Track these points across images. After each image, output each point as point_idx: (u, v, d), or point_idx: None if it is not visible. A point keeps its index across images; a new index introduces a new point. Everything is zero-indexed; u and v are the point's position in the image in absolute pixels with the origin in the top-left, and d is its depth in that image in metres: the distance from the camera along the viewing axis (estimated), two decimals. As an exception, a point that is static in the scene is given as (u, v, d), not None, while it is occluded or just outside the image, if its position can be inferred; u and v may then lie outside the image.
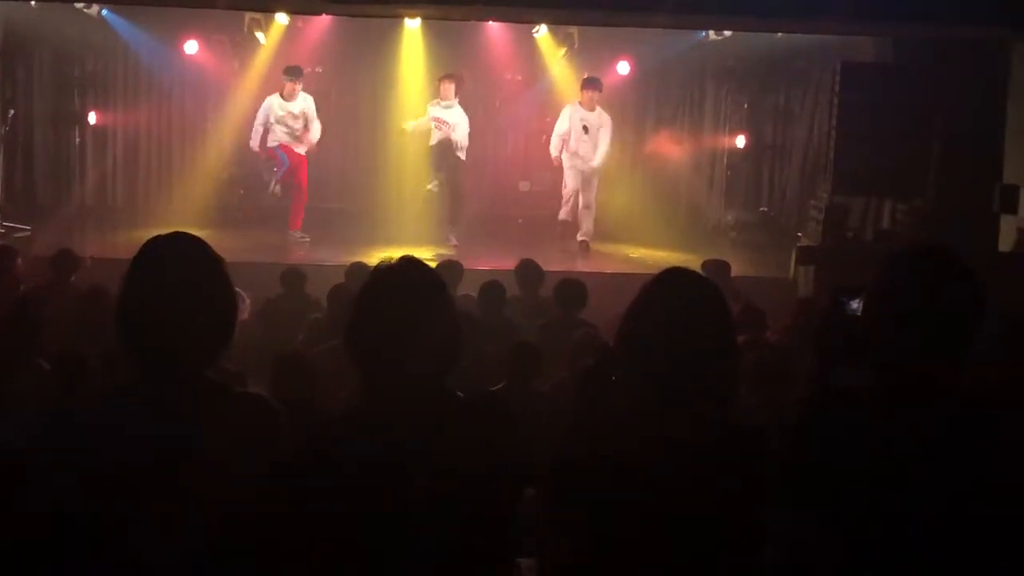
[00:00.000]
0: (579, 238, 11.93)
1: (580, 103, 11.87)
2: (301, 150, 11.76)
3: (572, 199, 11.97)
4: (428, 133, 11.77)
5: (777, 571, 2.45)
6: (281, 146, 11.76)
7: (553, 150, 11.91)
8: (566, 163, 11.89)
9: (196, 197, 12.28)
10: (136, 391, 2.36)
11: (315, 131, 11.75)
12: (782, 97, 13.79)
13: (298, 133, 11.67)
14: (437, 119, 11.67)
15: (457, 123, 11.61)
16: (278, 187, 11.82)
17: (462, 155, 11.65)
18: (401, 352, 2.38)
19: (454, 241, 11.60)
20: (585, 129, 11.77)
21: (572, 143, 11.81)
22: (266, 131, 11.64)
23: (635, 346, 2.49)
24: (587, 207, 11.95)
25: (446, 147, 11.61)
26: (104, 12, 12.15)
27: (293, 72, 11.68)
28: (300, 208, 11.88)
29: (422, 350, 2.39)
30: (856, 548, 2.34)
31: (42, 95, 13.08)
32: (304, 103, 11.71)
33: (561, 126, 11.88)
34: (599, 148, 11.83)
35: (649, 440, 2.42)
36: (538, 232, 12.14)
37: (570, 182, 11.97)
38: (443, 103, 11.64)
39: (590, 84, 11.90)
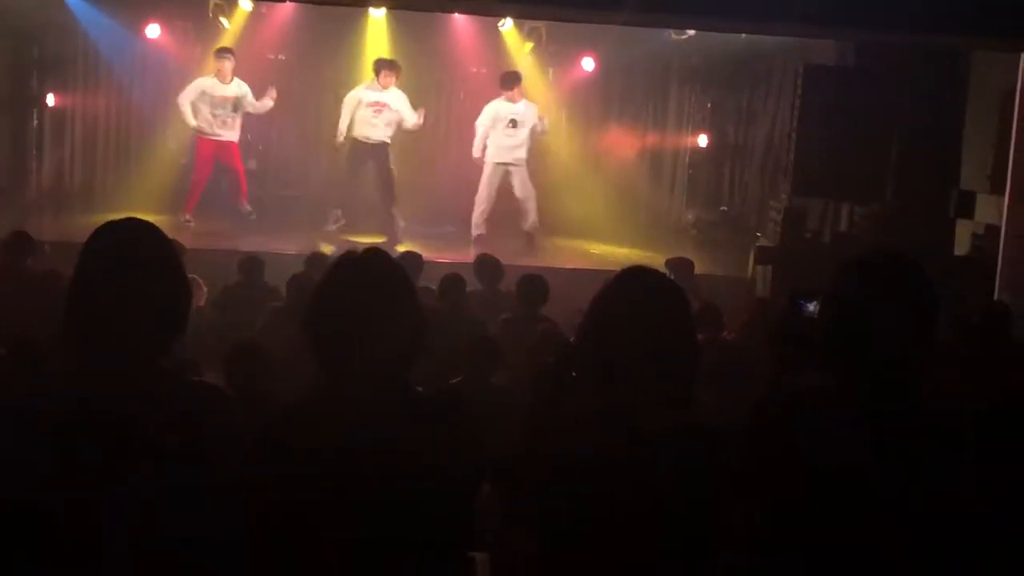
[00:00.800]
0: (526, 229, 11.72)
1: (505, 97, 11.58)
2: (227, 136, 11.60)
3: (486, 207, 11.68)
4: (361, 123, 11.60)
5: (734, 570, 2.46)
6: (199, 142, 11.62)
7: (476, 150, 11.64)
8: (490, 160, 11.62)
9: (155, 182, 12.14)
10: (87, 378, 2.32)
11: (264, 104, 11.68)
12: (745, 98, 13.86)
13: (225, 119, 11.50)
14: (376, 103, 11.54)
15: (398, 102, 11.55)
16: (246, 206, 11.82)
17: (415, 123, 11.64)
18: (362, 344, 2.36)
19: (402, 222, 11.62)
20: (513, 123, 11.53)
21: (498, 139, 11.54)
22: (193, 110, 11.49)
23: (596, 343, 2.49)
24: (527, 198, 11.69)
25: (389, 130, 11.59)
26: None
27: (226, 53, 11.54)
28: (240, 184, 11.85)
29: (384, 343, 2.37)
30: (812, 547, 2.36)
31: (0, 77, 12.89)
32: (239, 88, 11.55)
33: (483, 123, 11.58)
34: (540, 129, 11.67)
35: (607, 437, 2.42)
36: (498, 226, 12.11)
37: (485, 188, 11.64)
38: (381, 87, 11.54)
39: (508, 81, 11.63)
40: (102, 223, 2.40)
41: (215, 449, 2.30)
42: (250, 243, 10.23)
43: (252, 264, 7.89)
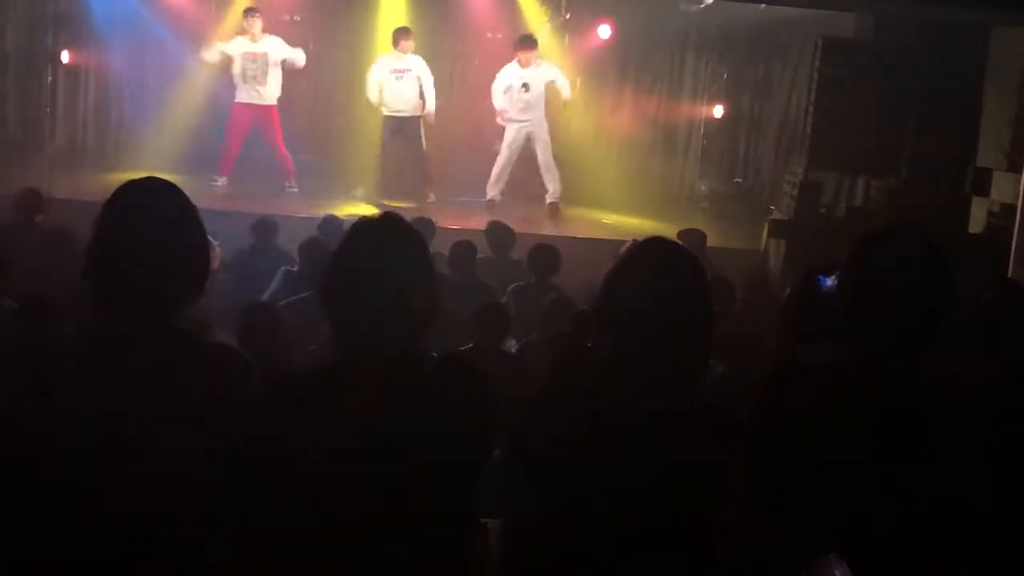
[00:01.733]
0: (548, 200, 11.78)
1: (518, 63, 11.54)
2: (265, 99, 11.58)
3: (502, 171, 11.72)
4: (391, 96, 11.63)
5: (744, 540, 2.48)
6: (235, 107, 11.56)
7: (496, 103, 11.58)
8: (509, 123, 11.60)
9: (169, 142, 12.10)
10: (103, 336, 2.33)
11: (298, 56, 11.64)
12: (762, 69, 13.77)
13: (258, 77, 11.47)
14: (398, 70, 11.55)
15: (420, 67, 11.57)
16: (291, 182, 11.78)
17: (431, 102, 11.60)
18: (377, 309, 2.36)
19: (432, 197, 11.60)
20: (525, 87, 11.47)
21: (513, 103, 11.51)
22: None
23: (614, 312, 2.50)
24: (547, 168, 11.73)
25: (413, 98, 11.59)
26: None
27: (253, 12, 11.51)
28: (284, 160, 11.79)
29: (399, 309, 2.37)
30: (823, 520, 2.37)
31: (14, 32, 12.85)
32: (270, 44, 11.51)
33: (497, 90, 11.57)
34: (561, 84, 11.60)
35: (620, 406, 2.43)
36: (511, 193, 12.09)
37: (505, 151, 11.66)
38: (401, 55, 11.54)
39: (523, 44, 11.57)
40: (123, 182, 2.40)
41: (230, 409, 2.31)
42: (265, 206, 10.22)
43: (265, 227, 7.89)
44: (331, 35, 13.21)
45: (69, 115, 13.42)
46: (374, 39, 12.25)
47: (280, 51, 11.59)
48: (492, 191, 11.74)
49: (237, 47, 11.51)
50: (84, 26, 13.21)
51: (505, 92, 11.52)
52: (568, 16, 13.14)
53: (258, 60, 11.49)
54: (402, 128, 11.67)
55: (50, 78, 13.17)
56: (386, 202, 11.01)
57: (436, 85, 11.85)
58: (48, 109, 13.17)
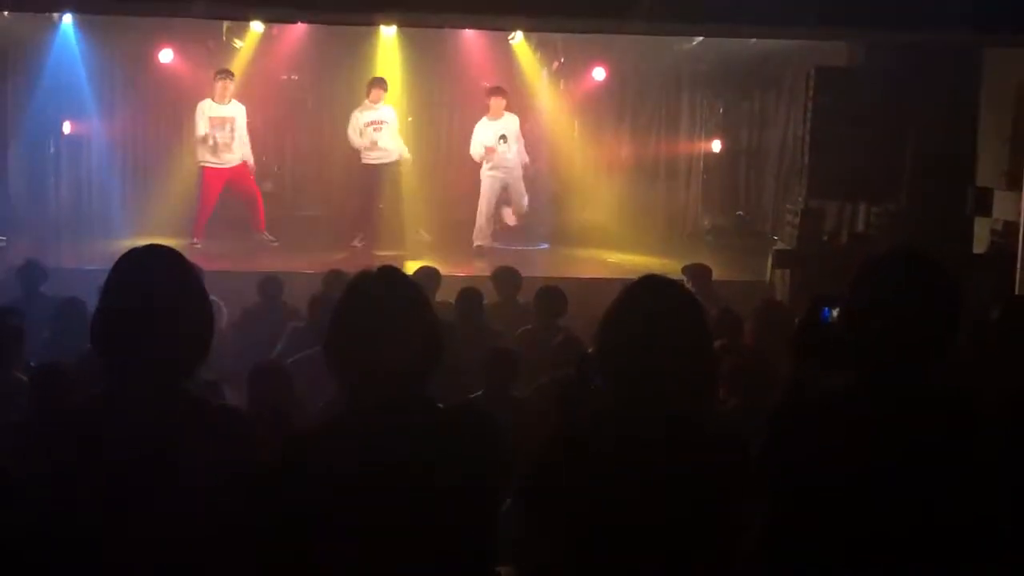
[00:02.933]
0: (509, 222, 12.02)
1: (487, 117, 11.76)
2: (232, 161, 11.59)
3: (487, 220, 11.84)
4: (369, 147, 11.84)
5: (758, 571, 2.46)
6: (205, 171, 11.59)
7: (475, 154, 11.75)
8: (486, 174, 11.76)
9: (171, 206, 12.18)
10: (111, 404, 2.34)
11: (244, 144, 11.66)
12: (757, 102, 13.85)
13: (226, 141, 11.49)
14: (374, 122, 11.74)
15: (392, 116, 11.81)
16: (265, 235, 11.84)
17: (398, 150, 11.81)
18: (380, 361, 2.38)
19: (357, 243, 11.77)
20: (503, 139, 11.67)
21: (495, 157, 11.68)
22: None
23: (612, 353, 2.50)
24: (521, 195, 11.96)
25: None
26: (64, 24, 12.12)
27: (224, 73, 11.62)
28: (258, 211, 11.86)
29: (402, 359, 2.38)
30: (833, 550, 2.36)
31: (16, 105, 12.97)
32: (236, 109, 11.59)
33: (475, 150, 11.75)
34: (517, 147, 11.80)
35: (627, 446, 2.43)
36: (514, 238, 12.14)
37: (485, 202, 11.80)
38: (376, 106, 11.73)
39: (493, 92, 11.82)
40: (125, 250, 2.43)
41: (239, 473, 2.32)
42: (268, 264, 10.26)
43: (271, 284, 7.92)
44: (329, 92, 13.32)
45: (72, 184, 13.51)
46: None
47: (243, 119, 11.65)
48: (479, 239, 11.84)
49: (205, 109, 11.56)
50: (84, 97, 13.33)
51: (485, 151, 11.70)
52: (562, 60, 13.26)
53: (226, 125, 11.53)
54: (385, 174, 11.84)
55: (53, 149, 13.30)
56: (378, 252, 11.08)
57: (431, 132, 12.06)
58: (52, 179, 13.29)
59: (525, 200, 12.00)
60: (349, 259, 10.58)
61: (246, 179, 11.81)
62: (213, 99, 11.59)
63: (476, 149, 11.72)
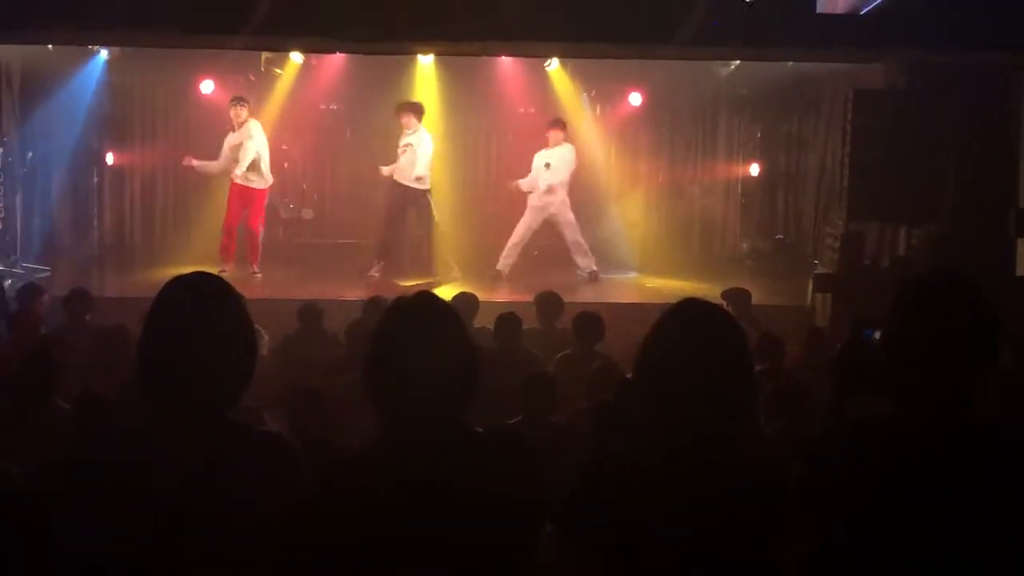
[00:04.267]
0: (588, 271, 11.91)
1: (547, 145, 11.88)
2: (252, 184, 11.71)
3: (514, 248, 11.87)
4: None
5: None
6: (232, 188, 11.72)
7: (525, 185, 11.86)
8: (531, 205, 11.85)
9: (213, 235, 12.31)
10: (155, 431, 2.37)
11: (243, 160, 11.64)
12: (795, 125, 13.80)
13: (240, 167, 11.60)
14: (402, 146, 11.78)
15: (416, 141, 11.70)
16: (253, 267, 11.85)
17: (419, 174, 11.70)
18: (417, 387, 2.39)
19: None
20: (547, 166, 11.75)
21: (540, 183, 11.79)
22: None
23: (651, 378, 2.49)
24: (576, 247, 11.93)
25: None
26: (103, 55, 12.32)
27: (236, 100, 11.74)
28: (254, 242, 11.84)
29: (439, 385, 2.39)
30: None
31: (60, 136, 13.19)
32: (240, 137, 11.60)
33: (531, 175, 11.90)
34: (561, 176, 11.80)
35: (667, 472, 2.42)
36: (555, 263, 12.14)
37: (522, 229, 11.86)
38: (407, 131, 11.75)
39: (550, 124, 11.91)
40: (170, 278, 2.46)
41: (281, 499, 2.32)
42: (309, 291, 10.33)
43: (311, 312, 7.96)
44: (367, 121, 13.43)
45: (115, 214, 13.70)
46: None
47: (256, 144, 11.64)
48: (501, 263, 11.88)
49: (227, 140, 11.73)
50: (126, 127, 13.55)
51: (533, 175, 11.80)
52: (592, 94, 13.33)
53: (238, 151, 11.61)
54: (410, 199, 11.79)
55: (96, 180, 13.50)
56: (402, 283, 11.00)
57: (468, 159, 12.03)
58: (96, 210, 13.48)
59: (579, 235, 11.94)
60: (378, 286, 10.63)
61: (255, 205, 11.77)
62: (233, 129, 11.72)
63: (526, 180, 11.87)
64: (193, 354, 2.34)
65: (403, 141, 11.74)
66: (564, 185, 11.82)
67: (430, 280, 11.09)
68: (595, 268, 11.92)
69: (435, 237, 11.89)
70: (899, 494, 2.32)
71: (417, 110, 11.74)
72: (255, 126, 11.70)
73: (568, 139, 11.91)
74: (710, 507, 2.38)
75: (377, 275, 11.67)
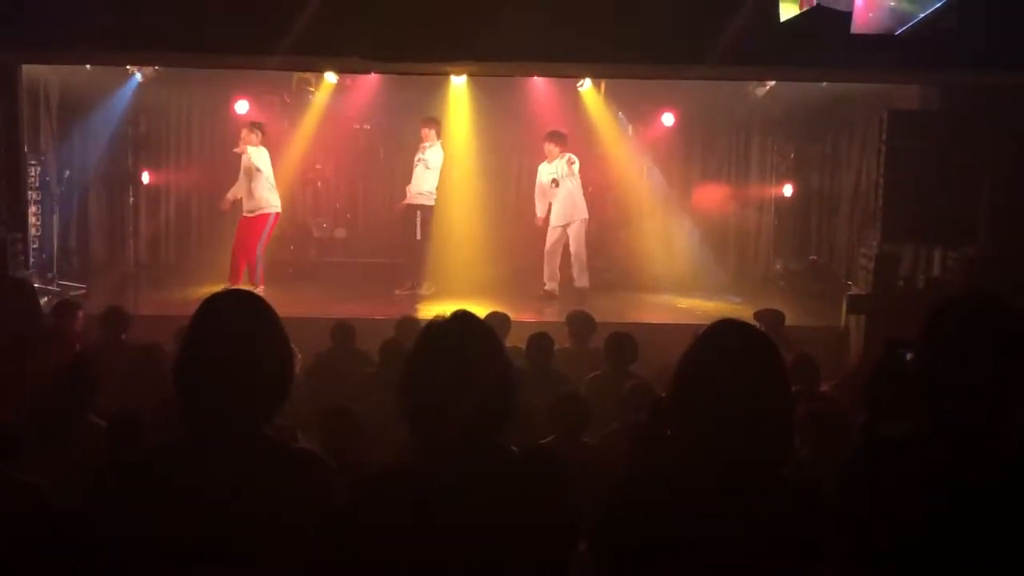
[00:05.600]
0: (576, 286, 11.80)
1: (546, 161, 11.86)
2: (253, 210, 11.55)
3: (554, 268, 11.89)
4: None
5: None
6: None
7: (538, 211, 11.88)
8: (551, 222, 11.86)
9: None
10: (193, 448, 2.38)
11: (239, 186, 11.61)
12: (829, 145, 13.76)
13: (247, 191, 11.52)
14: (419, 160, 11.92)
15: (429, 154, 11.80)
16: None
17: (428, 189, 11.82)
18: (453, 406, 2.39)
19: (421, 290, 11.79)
20: (555, 183, 11.73)
21: (552, 200, 11.79)
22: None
23: (687, 400, 2.48)
24: (577, 257, 11.85)
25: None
26: (140, 76, 12.44)
27: (248, 125, 11.69)
28: (251, 263, 11.62)
29: (474, 404, 2.39)
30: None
31: (96, 156, 13.34)
32: (247, 160, 11.47)
33: (537, 192, 11.91)
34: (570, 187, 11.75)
35: (702, 495, 2.41)
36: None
37: (548, 246, 11.87)
38: (425, 144, 11.84)
39: (549, 137, 11.87)
40: (207, 296, 2.48)
41: (317, 516, 2.33)
42: (341, 310, 10.37)
43: (344, 331, 7.99)
44: (399, 140, 13.49)
45: (150, 233, 13.83)
46: (443, 142, 12.49)
47: (258, 165, 11.50)
48: (549, 284, 11.89)
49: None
50: (162, 147, 13.69)
51: (542, 194, 11.79)
52: (620, 114, 13.35)
53: (246, 174, 11.55)
54: (423, 216, 11.92)
55: (132, 199, 13.64)
56: (449, 304, 11.05)
57: (500, 177, 12.04)
58: (131, 228, 13.62)
59: (582, 260, 11.88)
60: (410, 304, 10.69)
61: (253, 231, 11.58)
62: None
63: (538, 200, 11.92)
64: (231, 371, 2.36)
65: (419, 155, 11.87)
66: (578, 191, 11.79)
67: (416, 292, 11.34)
68: (587, 285, 11.79)
69: (429, 251, 11.96)
70: (933, 515, 2.31)
71: (435, 124, 11.86)
72: (252, 152, 11.52)
73: (566, 149, 11.83)
74: (748, 531, 2.37)
75: (399, 293, 11.75)
